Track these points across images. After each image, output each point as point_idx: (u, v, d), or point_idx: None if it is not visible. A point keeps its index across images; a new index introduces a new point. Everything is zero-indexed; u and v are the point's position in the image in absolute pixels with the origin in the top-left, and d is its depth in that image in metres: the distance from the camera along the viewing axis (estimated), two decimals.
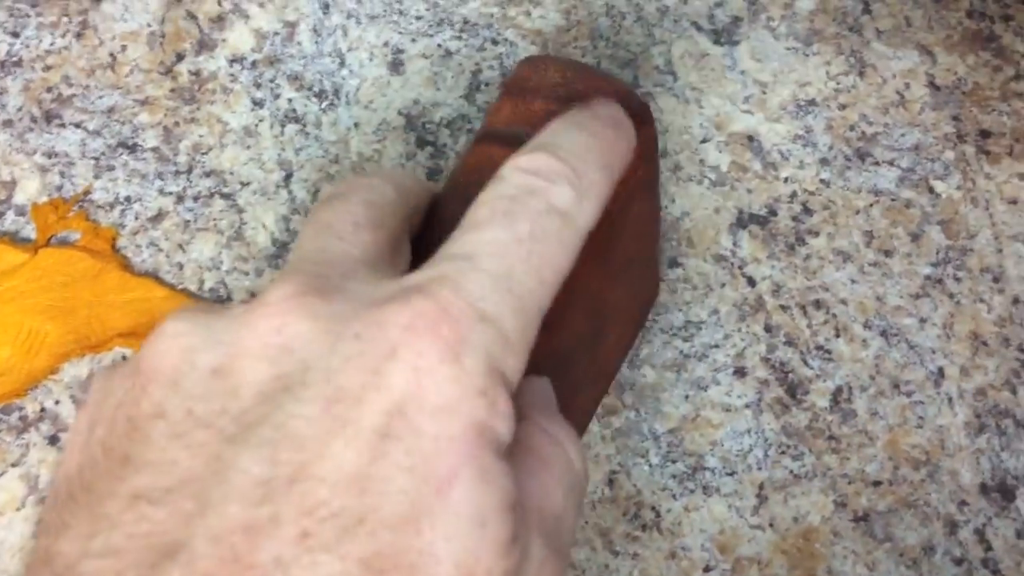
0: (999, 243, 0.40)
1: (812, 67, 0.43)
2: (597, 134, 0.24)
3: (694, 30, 0.43)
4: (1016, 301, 0.39)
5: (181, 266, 0.39)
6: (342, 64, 0.43)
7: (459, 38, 0.43)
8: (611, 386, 0.37)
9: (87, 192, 0.40)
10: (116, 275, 0.38)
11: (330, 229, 0.23)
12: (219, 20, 0.43)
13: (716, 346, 0.38)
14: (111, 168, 0.40)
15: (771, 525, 0.36)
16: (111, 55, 0.42)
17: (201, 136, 0.41)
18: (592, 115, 0.25)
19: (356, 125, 0.42)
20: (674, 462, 0.37)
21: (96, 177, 0.40)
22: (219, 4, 0.43)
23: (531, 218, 0.21)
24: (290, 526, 0.17)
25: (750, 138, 0.41)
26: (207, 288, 0.38)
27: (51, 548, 0.19)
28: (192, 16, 0.43)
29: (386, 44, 0.43)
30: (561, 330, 0.26)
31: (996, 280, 0.39)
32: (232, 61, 0.42)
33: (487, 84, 0.42)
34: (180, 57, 0.42)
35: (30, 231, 0.39)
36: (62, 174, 0.40)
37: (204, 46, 0.43)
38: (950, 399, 0.38)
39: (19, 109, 0.41)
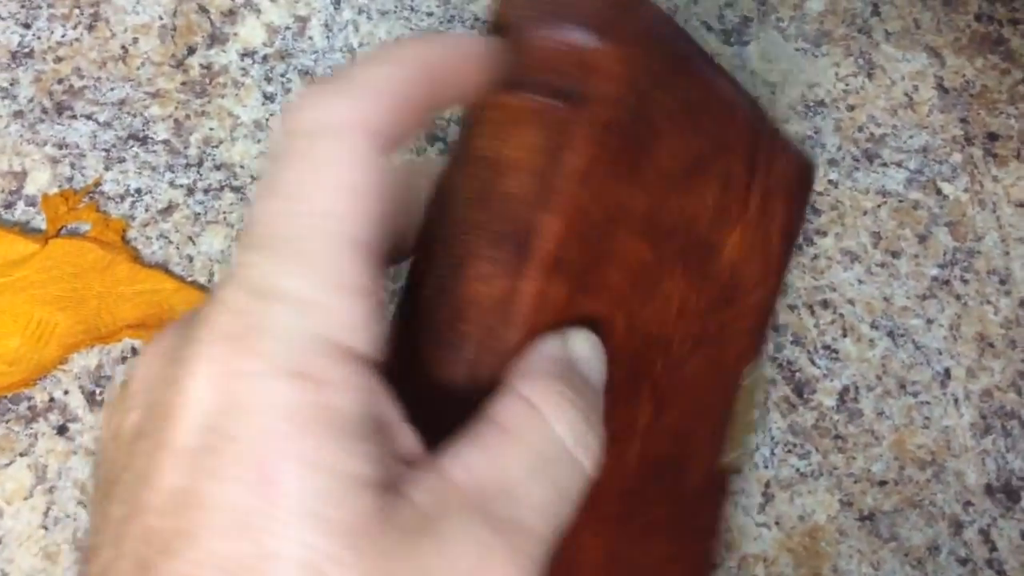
0: (1006, 245, 0.40)
1: (821, 68, 0.43)
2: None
3: (704, 30, 0.44)
4: (1023, 303, 0.39)
5: (191, 258, 0.39)
6: (353, 59, 0.43)
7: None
8: None
9: (97, 183, 0.40)
10: (126, 267, 0.38)
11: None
12: (230, 14, 0.43)
13: None
14: (122, 160, 0.41)
15: (777, 523, 0.36)
16: (123, 47, 0.42)
17: (212, 129, 0.41)
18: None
19: None
20: None
21: (107, 169, 0.40)
22: None
23: (277, 161, 0.19)
24: (129, 560, 0.18)
25: None
26: (216, 281, 0.39)
27: None
28: (204, 10, 0.43)
29: (397, 40, 0.43)
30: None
31: (1003, 282, 0.39)
32: (243, 55, 0.42)
33: None
34: (191, 50, 0.42)
35: (40, 222, 0.39)
36: (72, 165, 0.40)
37: (216, 40, 0.43)
38: (956, 400, 0.38)
39: (30, 100, 0.41)
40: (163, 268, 0.39)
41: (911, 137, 0.42)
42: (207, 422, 0.18)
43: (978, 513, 0.36)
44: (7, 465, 0.36)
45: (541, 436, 0.20)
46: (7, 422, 0.36)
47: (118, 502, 0.18)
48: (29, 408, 0.37)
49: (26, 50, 0.42)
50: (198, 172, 0.41)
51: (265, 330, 0.18)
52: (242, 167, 0.41)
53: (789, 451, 0.37)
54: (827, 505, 0.36)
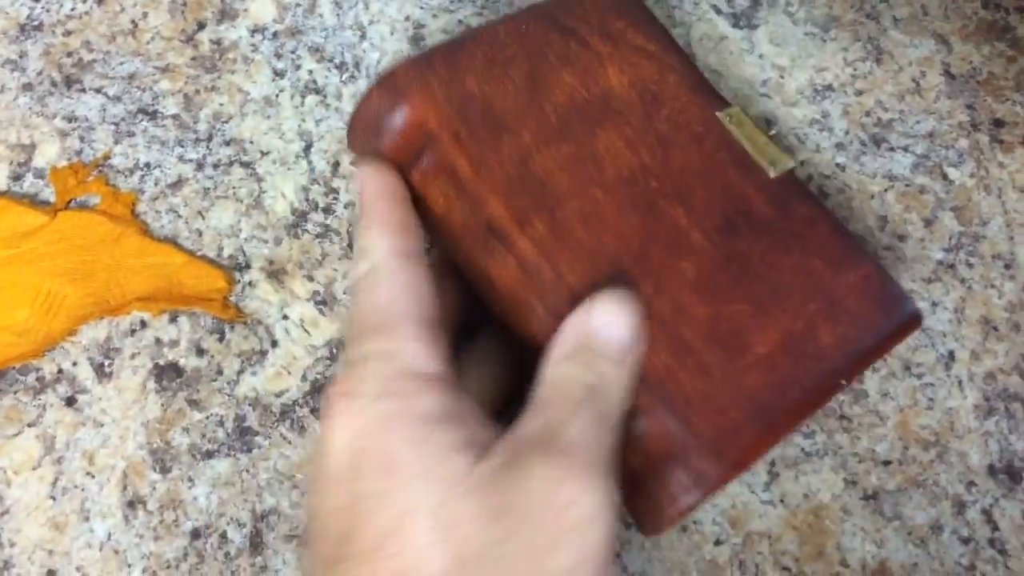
0: (1011, 231, 0.40)
1: (830, 53, 0.43)
2: (361, 215, 0.32)
3: (713, 13, 0.44)
4: None
5: (200, 233, 0.39)
6: (363, 37, 0.43)
7: (480, 14, 0.43)
8: None
9: (107, 157, 0.40)
10: (135, 240, 0.38)
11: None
12: None
13: None
14: (131, 134, 0.41)
15: (782, 501, 0.36)
16: (132, 22, 0.42)
17: (221, 105, 0.41)
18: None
19: None
20: None
21: (116, 142, 0.40)
22: None
23: (353, 299, 0.31)
24: (329, 549, 0.26)
25: (768, 121, 0.42)
26: (226, 255, 0.39)
27: None
28: None
29: (407, 18, 0.43)
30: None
31: (1007, 267, 0.40)
32: (253, 31, 0.42)
33: None
34: (201, 26, 0.42)
35: (49, 194, 0.39)
36: (82, 139, 0.40)
37: (226, 15, 0.43)
38: (960, 382, 0.38)
39: (39, 73, 0.41)
40: (172, 242, 0.39)
41: (918, 122, 0.42)
42: (349, 455, 0.26)
43: (981, 493, 0.36)
44: (15, 435, 0.36)
45: (570, 389, 0.28)
46: (15, 393, 0.36)
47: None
48: (37, 379, 0.37)
49: (35, 23, 0.42)
50: (207, 147, 0.40)
51: (363, 379, 0.27)
52: (251, 143, 0.41)
53: (794, 430, 0.37)
54: (832, 484, 0.36)
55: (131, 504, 0.35)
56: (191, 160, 0.40)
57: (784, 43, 0.43)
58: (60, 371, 0.37)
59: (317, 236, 0.39)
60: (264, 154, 0.40)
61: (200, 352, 0.37)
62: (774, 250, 0.33)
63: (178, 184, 0.40)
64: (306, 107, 0.41)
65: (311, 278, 0.39)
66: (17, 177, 0.40)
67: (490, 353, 0.34)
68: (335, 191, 0.40)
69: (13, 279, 0.37)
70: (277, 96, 0.42)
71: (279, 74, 0.42)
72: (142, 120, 0.41)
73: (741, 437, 0.30)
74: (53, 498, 0.35)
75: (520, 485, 0.25)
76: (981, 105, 0.42)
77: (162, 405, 0.36)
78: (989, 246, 0.40)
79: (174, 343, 0.37)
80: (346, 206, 0.40)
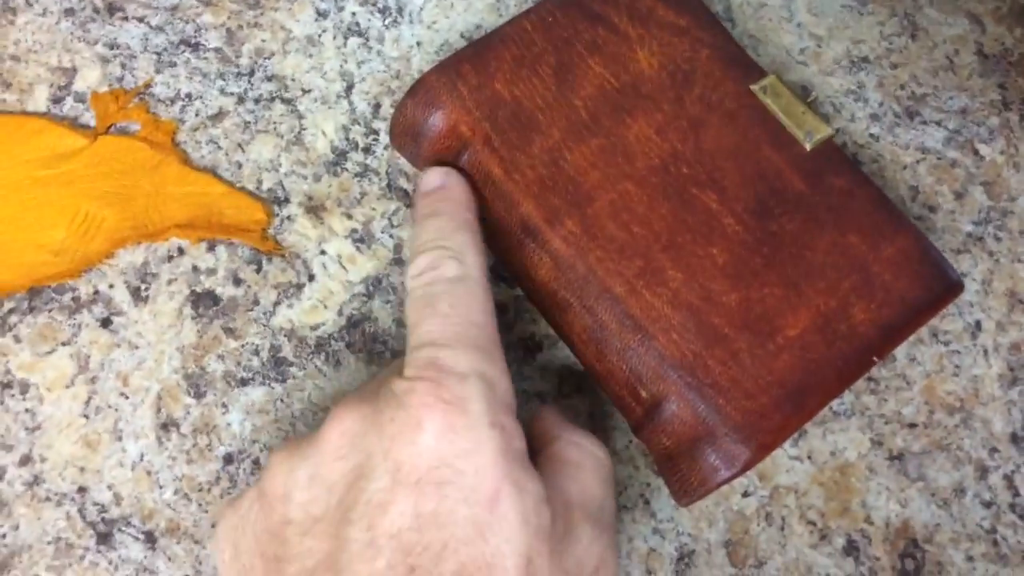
0: None
1: (866, 26, 0.44)
2: (436, 212, 0.32)
3: None
4: None
5: (240, 165, 0.39)
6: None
7: None
8: None
9: (148, 85, 0.40)
10: (175, 167, 0.38)
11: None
12: None
13: None
14: (172, 64, 0.40)
15: (809, 457, 0.37)
16: None
17: (264, 41, 0.41)
18: (421, 198, 0.33)
19: (418, 44, 0.42)
20: None
21: (157, 72, 0.40)
22: None
23: (442, 297, 0.29)
24: (400, 567, 0.24)
25: (804, 88, 0.42)
26: (265, 188, 0.39)
27: None
28: None
29: None
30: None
31: None
32: None
33: None
34: None
35: (89, 119, 0.39)
36: (123, 66, 0.40)
37: None
38: (986, 351, 0.39)
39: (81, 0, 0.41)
40: (212, 172, 0.39)
41: (951, 98, 0.43)
42: (436, 462, 0.26)
43: (1003, 459, 0.37)
44: (49, 353, 0.36)
45: (597, 461, 0.31)
46: (50, 311, 0.36)
47: (359, 528, 0.25)
48: (73, 299, 0.36)
49: None
50: (249, 81, 0.40)
51: (471, 398, 0.26)
52: (293, 80, 0.41)
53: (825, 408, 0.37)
54: (858, 443, 0.37)
55: (164, 427, 0.35)
56: (232, 93, 0.40)
57: (822, 14, 0.44)
58: (96, 292, 0.37)
59: (356, 175, 0.39)
60: (305, 92, 0.40)
61: (237, 282, 0.37)
62: (808, 229, 0.34)
63: (219, 116, 0.40)
64: (348, 49, 0.41)
65: (349, 216, 0.39)
66: (57, 100, 0.39)
67: None
68: (375, 132, 0.40)
69: (51, 199, 0.37)
70: (320, 36, 0.41)
71: (322, 14, 0.42)
72: (184, 51, 0.41)
73: (770, 420, 0.31)
74: (86, 416, 0.35)
75: (578, 546, 0.28)
76: (1013, 85, 0.43)
77: (198, 331, 0.36)
78: (1017, 221, 0.41)
79: (211, 271, 0.37)
80: (385, 147, 0.40)
